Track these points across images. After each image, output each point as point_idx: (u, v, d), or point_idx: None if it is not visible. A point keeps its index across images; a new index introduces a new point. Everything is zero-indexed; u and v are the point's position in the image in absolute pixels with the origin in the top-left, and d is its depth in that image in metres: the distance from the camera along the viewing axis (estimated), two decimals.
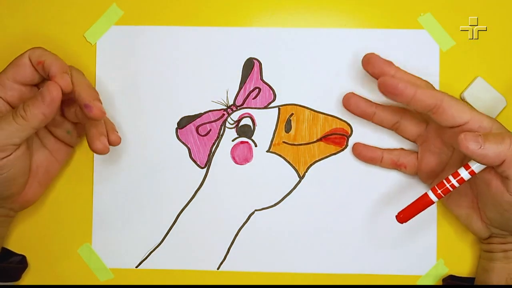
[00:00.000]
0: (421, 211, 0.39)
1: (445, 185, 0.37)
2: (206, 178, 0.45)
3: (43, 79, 0.40)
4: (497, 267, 0.40)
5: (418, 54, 0.44)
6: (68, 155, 0.44)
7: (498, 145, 0.35)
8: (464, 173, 0.37)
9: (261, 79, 0.45)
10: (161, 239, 0.45)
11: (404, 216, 0.39)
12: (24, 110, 0.37)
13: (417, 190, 0.44)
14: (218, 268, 0.45)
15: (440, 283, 0.44)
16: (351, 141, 0.44)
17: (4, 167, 0.37)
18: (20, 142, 0.38)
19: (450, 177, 0.37)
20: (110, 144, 0.40)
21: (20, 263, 0.44)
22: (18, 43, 0.43)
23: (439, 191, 0.38)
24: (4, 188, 0.39)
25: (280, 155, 0.45)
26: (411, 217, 0.39)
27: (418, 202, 0.38)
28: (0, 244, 0.43)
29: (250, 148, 0.45)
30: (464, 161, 0.38)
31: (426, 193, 0.38)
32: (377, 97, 0.44)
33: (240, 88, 0.45)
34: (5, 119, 0.37)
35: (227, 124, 0.45)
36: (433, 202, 0.38)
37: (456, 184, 0.37)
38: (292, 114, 0.45)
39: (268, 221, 0.45)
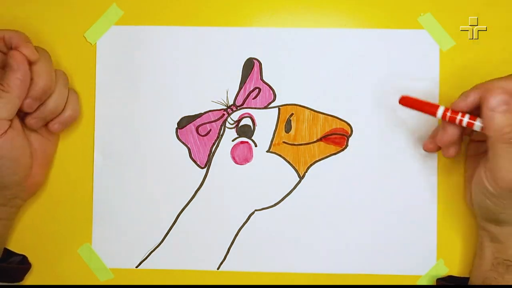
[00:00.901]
0: (421, 111, 0.40)
1: (455, 117, 0.38)
2: (206, 178, 0.45)
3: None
4: (485, 246, 0.41)
5: (418, 54, 0.44)
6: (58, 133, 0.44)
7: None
8: (466, 120, 0.38)
9: (261, 79, 0.45)
10: (161, 239, 0.45)
11: (406, 101, 0.40)
12: (1, 84, 0.38)
13: (417, 190, 0.44)
14: (218, 268, 0.45)
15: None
16: (351, 141, 0.44)
17: (3, 147, 0.38)
18: (9, 115, 0.38)
19: (461, 116, 0.38)
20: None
21: (20, 263, 0.44)
22: None
23: (447, 114, 0.38)
24: (12, 171, 0.40)
25: (280, 155, 0.45)
26: (410, 107, 0.40)
27: (426, 105, 0.39)
28: (4, 242, 0.43)
29: (250, 148, 0.45)
30: None
31: (439, 105, 0.39)
32: (377, 97, 0.44)
33: (240, 88, 0.45)
34: None
35: (227, 124, 0.45)
36: (435, 115, 0.39)
37: (458, 121, 0.38)
38: (292, 114, 0.45)
39: (268, 221, 0.45)
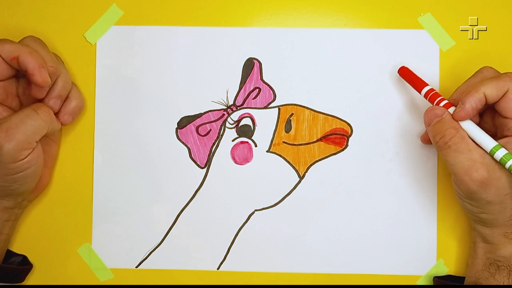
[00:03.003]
0: (411, 84, 0.42)
1: (434, 99, 0.40)
2: (206, 178, 0.45)
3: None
4: (478, 247, 0.41)
5: (418, 54, 0.44)
6: (60, 132, 0.45)
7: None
8: (441, 104, 0.40)
9: (261, 79, 0.45)
10: (161, 239, 0.45)
11: (403, 72, 0.43)
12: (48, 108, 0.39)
13: (417, 190, 0.44)
14: (218, 268, 0.45)
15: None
16: (351, 141, 0.44)
17: (30, 162, 0.39)
18: (40, 138, 0.39)
19: (439, 102, 0.40)
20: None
21: (21, 264, 0.44)
22: None
23: (429, 94, 0.40)
24: (32, 178, 0.40)
25: (280, 155, 0.45)
26: (404, 78, 0.43)
27: (417, 80, 0.42)
28: (7, 242, 0.43)
29: (250, 148, 0.45)
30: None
31: (427, 84, 0.41)
32: (377, 97, 0.44)
33: (240, 88, 0.45)
34: (28, 116, 0.38)
35: (227, 124, 0.45)
36: (420, 92, 0.41)
37: (435, 104, 0.40)
38: (292, 114, 0.45)
39: (268, 221, 0.45)
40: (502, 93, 0.37)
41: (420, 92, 0.41)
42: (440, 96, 0.40)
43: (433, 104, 0.40)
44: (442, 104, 0.39)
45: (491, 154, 0.37)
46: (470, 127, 0.38)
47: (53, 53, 0.41)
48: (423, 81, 0.41)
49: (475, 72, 0.40)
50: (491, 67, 0.40)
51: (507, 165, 0.36)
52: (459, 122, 0.38)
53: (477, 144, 0.38)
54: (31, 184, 0.41)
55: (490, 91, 0.37)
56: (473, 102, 0.37)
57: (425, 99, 0.41)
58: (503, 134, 0.38)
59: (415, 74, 0.42)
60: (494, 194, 0.37)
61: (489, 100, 0.37)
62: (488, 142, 0.37)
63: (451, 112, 0.39)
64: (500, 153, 0.37)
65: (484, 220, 0.39)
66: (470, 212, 0.40)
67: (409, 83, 0.42)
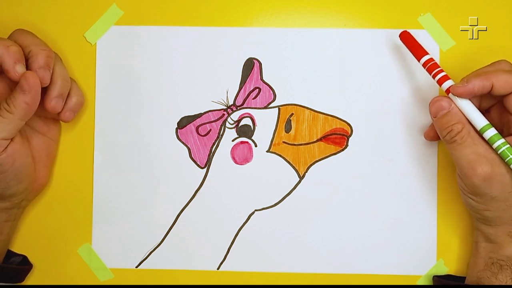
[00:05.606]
0: (411, 51, 0.41)
1: (432, 69, 0.39)
2: (206, 178, 0.45)
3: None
4: (480, 246, 0.41)
5: None
6: (59, 130, 0.45)
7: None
8: (439, 75, 0.39)
9: (261, 79, 0.45)
10: (161, 239, 0.45)
11: (405, 36, 0.41)
12: (7, 103, 0.38)
13: (417, 190, 0.44)
14: (218, 268, 0.45)
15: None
16: (351, 141, 0.44)
17: (4, 163, 0.38)
18: (9, 136, 0.38)
19: (438, 72, 0.39)
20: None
21: (21, 264, 0.44)
22: None
23: (428, 64, 0.39)
24: (17, 181, 0.40)
25: (280, 155, 0.45)
26: (405, 44, 0.41)
27: (417, 47, 0.40)
28: (8, 242, 0.43)
29: (250, 148, 0.45)
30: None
31: (427, 53, 0.40)
32: (377, 96, 0.44)
33: (240, 88, 0.45)
34: None
35: (227, 124, 0.45)
36: (419, 60, 0.40)
37: (432, 75, 0.39)
38: (292, 114, 0.45)
39: (268, 221, 0.45)
40: (511, 89, 0.37)
41: (419, 61, 0.40)
42: (438, 67, 0.39)
43: (430, 75, 0.40)
44: (439, 76, 0.39)
45: (481, 133, 0.37)
46: (465, 105, 0.38)
47: (52, 51, 0.41)
48: (424, 49, 0.40)
49: (492, 63, 0.39)
50: (508, 62, 0.39)
51: (495, 145, 0.37)
52: (454, 97, 0.38)
53: (479, 135, 0.38)
54: (21, 185, 0.41)
55: (500, 83, 0.37)
56: (477, 84, 0.37)
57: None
58: (510, 132, 0.38)
59: (416, 41, 0.41)
60: (498, 190, 0.37)
61: (494, 91, 0.37)
62: (480, 120, 0.37)
63: (449, 85, 0.38)
64: (490, 133, 0.37)
65: (488, 219, 0.39)
66: (474, 209, 0.39)
67: (409, 49, 0.41)
